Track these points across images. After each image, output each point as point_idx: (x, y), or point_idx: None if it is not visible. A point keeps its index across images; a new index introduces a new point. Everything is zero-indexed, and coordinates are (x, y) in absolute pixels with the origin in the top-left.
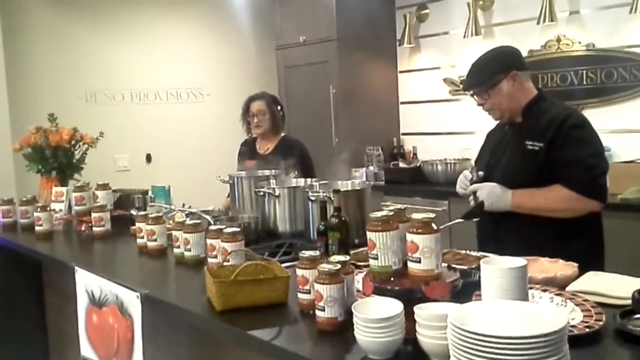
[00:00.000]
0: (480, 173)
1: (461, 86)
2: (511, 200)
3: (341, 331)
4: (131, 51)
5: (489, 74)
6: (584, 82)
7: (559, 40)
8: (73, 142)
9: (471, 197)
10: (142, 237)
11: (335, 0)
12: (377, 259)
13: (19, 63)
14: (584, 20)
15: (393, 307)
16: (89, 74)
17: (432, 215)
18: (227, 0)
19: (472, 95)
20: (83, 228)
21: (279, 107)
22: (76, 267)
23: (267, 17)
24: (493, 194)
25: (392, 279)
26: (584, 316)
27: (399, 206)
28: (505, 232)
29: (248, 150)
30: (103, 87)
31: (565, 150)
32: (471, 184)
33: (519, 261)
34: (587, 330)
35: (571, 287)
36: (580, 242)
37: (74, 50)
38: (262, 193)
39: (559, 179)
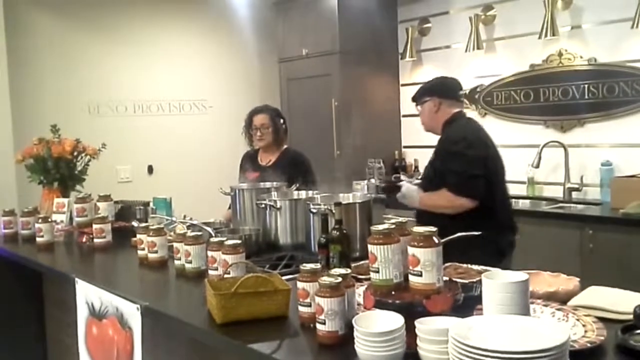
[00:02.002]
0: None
1: (463, 100)
2: (418, 198)
3: (342, 345)
4: (134, 63)
5: (420, 94)
6: (586, 97)
7: (560, 54)
8: (75, 154)
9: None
10: (143, 249)
11: (338, 14)
12: (378, 272)
13: (22, 74)
14: (585, 34)
15: (394, 320)
16: (92, 86)
17: (434, 228)
18: (230, 13)
19: None
20: (84, 239)
21: (281, 120)
22: (76, 279)
23: (270, 30)
24: (409, 190)
25: (393, 292)
26: (585, 331)
27: (400, 219)
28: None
29: (250, 162)
30: (106, 99)
31: (444, 162)
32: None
33: (521, 276)
34: (589, 345)
35: (573, 302)
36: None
37: (78, 62)
38: (263, 205)
39: (443, 184)
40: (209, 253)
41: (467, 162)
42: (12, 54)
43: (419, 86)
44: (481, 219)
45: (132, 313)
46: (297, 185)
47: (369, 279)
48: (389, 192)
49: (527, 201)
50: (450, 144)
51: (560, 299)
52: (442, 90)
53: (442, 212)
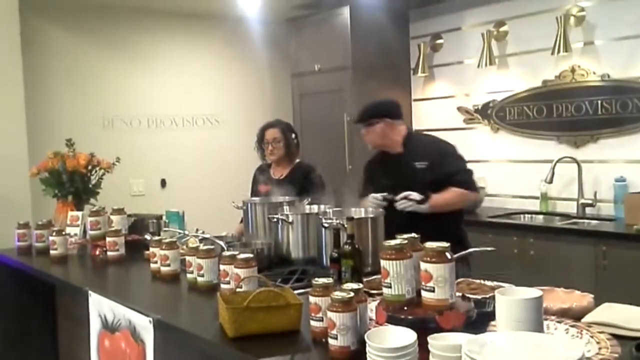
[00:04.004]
0: (385, 194)
1: (475, 115)
2: (428, 202)
3: None
4: (148, 78)
5: (370, 116)
6: (599, 112)
7: (573, 70)
8: (90, 167)
9: (402, 200)
10: (156, 262)
11: (350, 30)
12: (390, 287)
13: (38, 90)
14: (598, 51)
15: (406, 336)
16: (106, 101)
17: (446, 244)
18: (243, 29)
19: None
20: (97, 252)
21: (293, 135)
22: (90, 292)
23: (283, 46)
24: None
25: (405, 308)
26: (600, 348)
27: (412, 234)
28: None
29: (262, 176)
30: (120, 113)
31: (448, 165)
32: (383, 200)
33: (534, 292)
34: None
35: (587, 319)
36: (458, 230)
37: (92, 77)
38: (275, 219)
39: (450, 183)
40: (221, 267)
41: (465, 162)
42: (28, 70)
43: (430, 101)
44: (461, 219)
45: (145, 326)
46: (309, 199)
47: (381, 294)
48: (423, 201)
49: (541, 217)
50: (445, 149)
51: (574, 315)
52: (393, 112)
53: (451, 209)
